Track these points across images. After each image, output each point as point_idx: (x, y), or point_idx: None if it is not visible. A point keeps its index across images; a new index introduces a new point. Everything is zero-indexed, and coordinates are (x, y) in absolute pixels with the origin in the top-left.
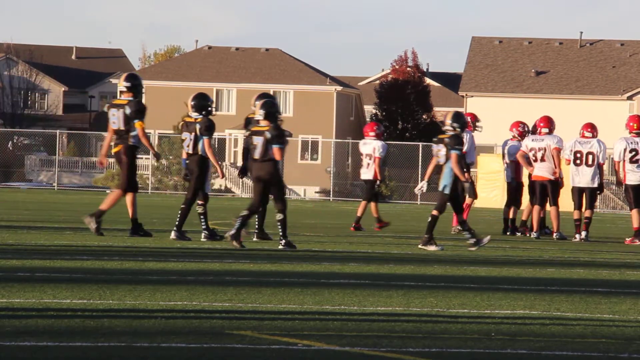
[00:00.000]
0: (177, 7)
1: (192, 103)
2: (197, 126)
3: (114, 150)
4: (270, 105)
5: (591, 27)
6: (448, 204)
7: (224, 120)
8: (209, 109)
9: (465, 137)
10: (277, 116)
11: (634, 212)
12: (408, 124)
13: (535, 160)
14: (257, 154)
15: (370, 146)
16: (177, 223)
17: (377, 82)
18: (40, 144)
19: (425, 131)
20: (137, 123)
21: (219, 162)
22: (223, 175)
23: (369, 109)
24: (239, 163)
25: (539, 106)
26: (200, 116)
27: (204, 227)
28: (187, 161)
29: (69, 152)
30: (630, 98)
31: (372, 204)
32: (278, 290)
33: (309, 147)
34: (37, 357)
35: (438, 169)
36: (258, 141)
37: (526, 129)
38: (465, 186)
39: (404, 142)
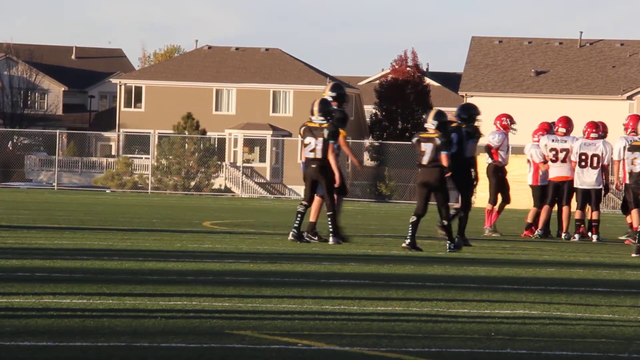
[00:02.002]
0: (177, 7)
1: (317, 108)
2: (325, 132)
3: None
4: (442, 115)
5: (591, 27)
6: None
7: (224, 120)
8: (334, 114)
9: (499, 137)
10: (447, 125)
11: (634, 212)
12: (408, 124)
13: (555, 161)
14: (425, 160)
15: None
16: (330, 229)
17: (377, 82)
18: (40, 144)
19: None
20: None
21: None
22: (340, 184)
23: (369, 109)
24: (239, 163)
25: (539, 106)
26: (326, 122)
27: (296, 225)
28: (314, 166)
29: (69, 152)
30: (630, 98)
31: (533, 210)
32: (278, 290)
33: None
34: (37, 357)
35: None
36: (427, 147)
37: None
38: None
39: (404, 142)
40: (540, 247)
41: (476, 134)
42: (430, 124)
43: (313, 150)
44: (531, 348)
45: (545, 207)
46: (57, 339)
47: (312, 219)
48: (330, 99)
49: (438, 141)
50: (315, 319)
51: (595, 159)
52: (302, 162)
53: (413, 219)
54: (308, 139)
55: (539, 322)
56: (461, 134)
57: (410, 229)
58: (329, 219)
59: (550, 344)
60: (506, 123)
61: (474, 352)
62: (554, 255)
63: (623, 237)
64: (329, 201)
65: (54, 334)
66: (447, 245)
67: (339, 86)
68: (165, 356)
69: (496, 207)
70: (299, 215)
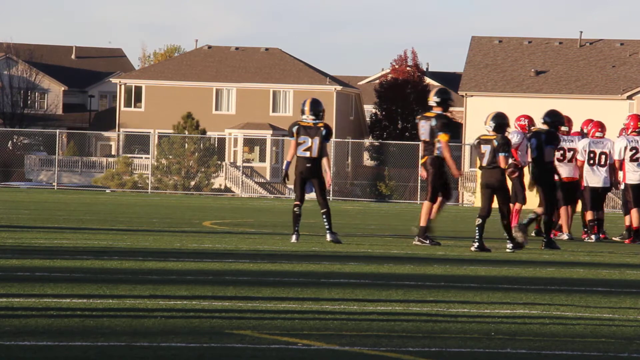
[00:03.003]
0: (177, 7)
1: (308, 108)
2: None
3: (421, 161)
4: (502, 117)
5: (591, 27)
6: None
7: (224, 120)
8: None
9: (517, 137)
10: (506, 127)
11: (634, 211)
12: (408, 124)
13: (563, 160)
14: (485, 161)
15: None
16: (327, 227)
17: (377, 81)
18: (40, 144)
19: None
20: (440, 135)
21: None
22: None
23: (369, 109)
24: (239, 162)
25: (539, 106)
26: (319, 121)
27: (296, 228)
28: (308, 165)
29: (69, 152)
30: (630, 97)
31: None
32: (278, 289)
33: None
34: (37, 357)
35: None
36: (486, 149)
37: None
38: None
39: (404, 142)
40: (540, 247)
41: (554, 140)
42: (489, 125)
43: (308, 149)
44: (531, 348)
45: (566, 208)
46: (57, 339)
47: (422, 223)
48: (434, 104)
49: (495, 142)
50: (315, 318)
51: (603, 156)
52: (287, 162)
53: (478, 221)
54: (302, 138)
55: (539, 322)
56: (540, 139)
57: (477, 231)
58: (324, 217)
59: (550, 343)
60: (524, 123)
61: (474, 351)
62: (554, 255)
63: (617, 239)
64: (322, 200)
65: (54, 334)
66: (507, 245)
67: (444, 91)
68: (165, 356)
69: (517, 207)
70: (297, 219)
